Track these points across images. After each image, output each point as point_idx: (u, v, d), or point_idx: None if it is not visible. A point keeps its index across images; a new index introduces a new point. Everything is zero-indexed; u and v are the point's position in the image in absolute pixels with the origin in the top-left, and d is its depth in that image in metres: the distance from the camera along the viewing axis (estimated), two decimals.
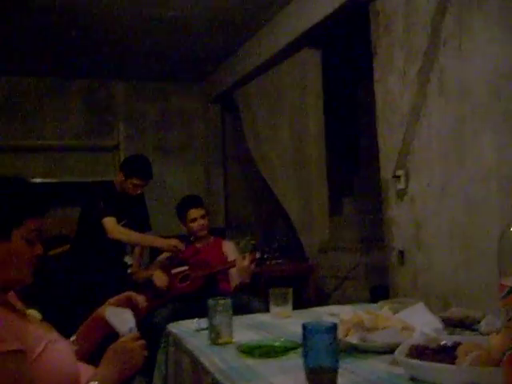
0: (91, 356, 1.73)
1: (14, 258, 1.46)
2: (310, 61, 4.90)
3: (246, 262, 3.60)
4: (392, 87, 3.58)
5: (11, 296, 1.58)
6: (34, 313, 1.64)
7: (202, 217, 3.96)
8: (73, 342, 1.73)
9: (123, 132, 6.35)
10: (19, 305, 1.59)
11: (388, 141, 3.65)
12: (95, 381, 1.44)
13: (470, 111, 2.95)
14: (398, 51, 3.51)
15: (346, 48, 5.06)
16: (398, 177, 3.53)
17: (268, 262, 3.72)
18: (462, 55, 2.98)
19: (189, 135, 6.97)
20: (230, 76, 6.14)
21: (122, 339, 1.60)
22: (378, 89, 3.74)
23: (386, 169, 3.68)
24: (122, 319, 1.69)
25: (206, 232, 4.00)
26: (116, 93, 6.67)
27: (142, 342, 1.61)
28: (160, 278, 3.81)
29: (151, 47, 5.48)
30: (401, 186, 3.52)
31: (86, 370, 1.58)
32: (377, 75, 3.75)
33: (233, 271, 3.83)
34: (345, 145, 6.02)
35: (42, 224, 1.54)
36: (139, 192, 3.92)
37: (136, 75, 6.52)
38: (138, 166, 3.88)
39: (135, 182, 3.84)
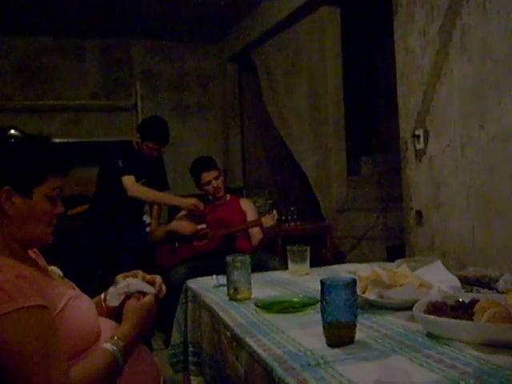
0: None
1: (35, 214, 1.47)
2: (329, 19, 4.82)
3: (275, 220, 3.65)
4: (412, 46, 3.53)
5: (34, 253, 1.61)
6: (55, 269, 1.67)
7: (216, 178, 3.94)
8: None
9: (140, 92, 6.33)
10: (42, 261, 1.62)
11: (408, 100, 3.62)
12: (115, 336, 1.48)
13: (492, 70, 2.90)
14: (419, 9, 3.45)
15: (366, 6, 4.98)
16: (418, 136, 3.50)
17: (287, 225, 3.74)
18: (486, 13, 2.92)
19: (206, 95, 6.95)
20: (246, 35, 6.07)
21: (149, 299, 1.64)
22: (399, 47, 3.69)
23: (405, 128, 3.66)
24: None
25: (222, 193, 4.00)
26: (133, 52, 6.64)
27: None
28: (183, 225, 3.84)
29: (167, 5, 5.42)
30: (420, 146, 3.50)
31: (107, 324, 1.61)
32: (397, 33, 3.69)
33: (254, 229, 3.85)
34: (363, 104, 5.97)
35: (63, 183, 1.55)
36: (155, 154, 3.93)
37: (153, 34, 6.46)
38: (154, 130, 3.87)
39: (151, 145, 3.84)
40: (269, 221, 3.68)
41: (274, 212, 3.72)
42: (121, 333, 1.50)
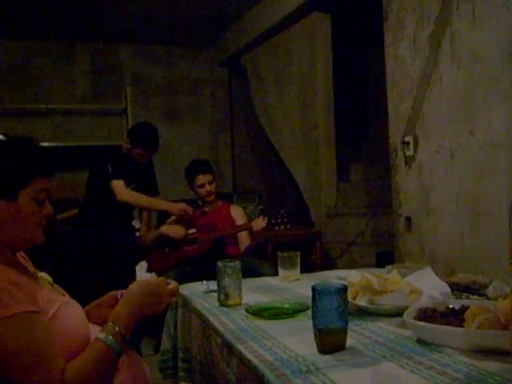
0: None
1: (22, 217, 1.45)
2: (319, 25, 4.85)
3: (265, 223, 3.64)
4: (403, 53, 3.55)
5: (23, 258, 1.59)
6: (45, 276, 1.65)
7: (210, 182, 3.95)
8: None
9: (130, 96, 6.31)
10: (30, 267, 1.60)
11: (398, 106, 3.63)
12: (109, 321, 1.47)
13: (482, 77, 2.92)
14: (410, 16, 3.47)
15: (356, 12, 5.00)
16: (407, 143, 3.52)
17: (276, 228, 3.73)
18: (475, 20, 2.94)
19: (196, 100, 6.94)
20: (237, 40, 6.08)
21: (155, 280, 1.63)
22: (389, 54, 3.70)
23: (395, 135, 3.67)
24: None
25: (213, 197, 4.01)
26: (123, 56, 6.61)
27: (173, 286, 1.65)
28: (174, 229, 3.84)
29: (158, 10, 5.42)
30: (409, 152, 3.51)
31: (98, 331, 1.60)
32: (387, 40, 3.71)
33: (242, 234, 3.85)
34: (353, 110, 5.99)
35: (49, 184, 1.53)
36: (144, 160, 3.92)
37: (143, 39, 6.45)
38: (143, 137, 3.86)
39: (140, 151, 3.84)
40: (259, 224, 3.66)
41: (263, 216, 3.72)
42: (114, 316, 1.50)
